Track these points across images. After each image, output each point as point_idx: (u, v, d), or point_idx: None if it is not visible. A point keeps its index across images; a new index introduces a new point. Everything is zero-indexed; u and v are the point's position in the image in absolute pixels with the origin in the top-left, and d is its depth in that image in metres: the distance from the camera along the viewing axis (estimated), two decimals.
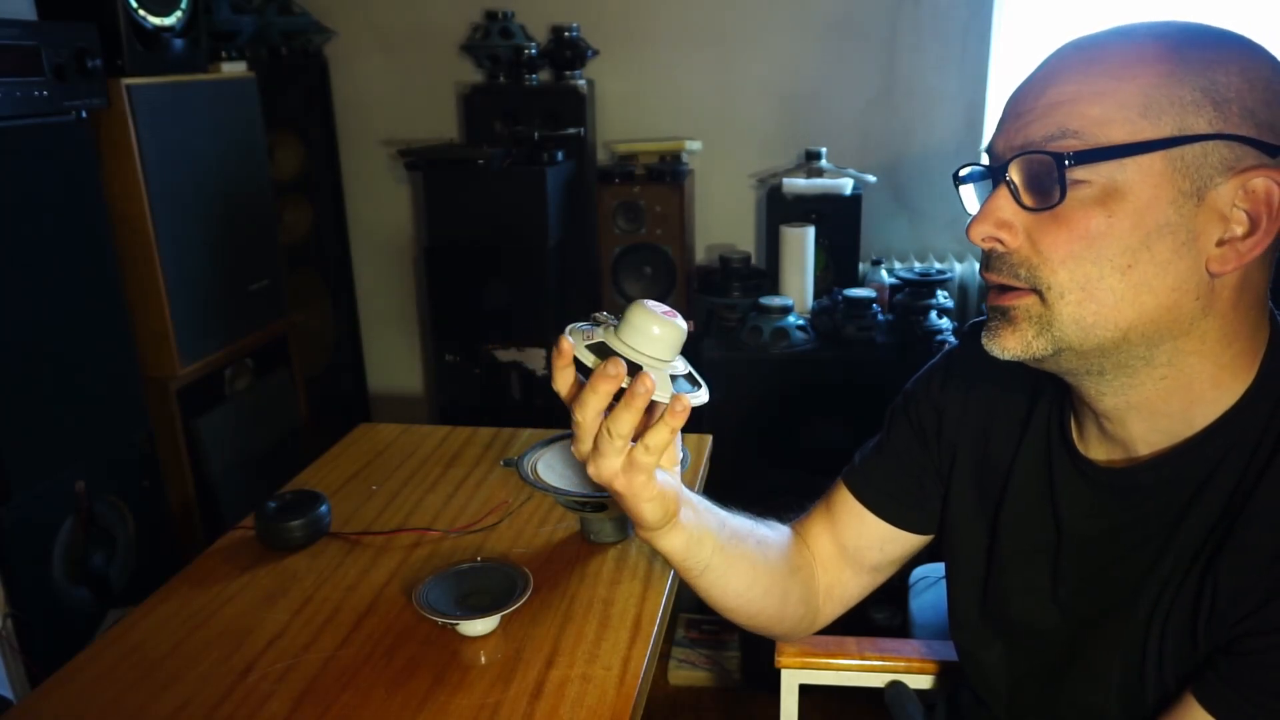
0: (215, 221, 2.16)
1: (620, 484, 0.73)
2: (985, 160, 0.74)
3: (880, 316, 2.33)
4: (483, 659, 0.97)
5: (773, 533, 0.95)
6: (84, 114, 1.80)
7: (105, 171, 1.90)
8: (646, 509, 0.75)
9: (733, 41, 2.68)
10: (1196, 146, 0.64)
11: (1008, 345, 0.71)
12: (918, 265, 2.52)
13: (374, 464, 1.45)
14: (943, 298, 2.32)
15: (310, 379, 2.68)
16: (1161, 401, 0.71)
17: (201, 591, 1.11)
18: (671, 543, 0.80)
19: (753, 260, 2.62)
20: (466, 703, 0.90)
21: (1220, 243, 0.66)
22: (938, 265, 2.55)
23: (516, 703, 0.90)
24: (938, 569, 1.67)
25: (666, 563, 1.14)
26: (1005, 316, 0.71)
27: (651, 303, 0.72)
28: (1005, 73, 2.55)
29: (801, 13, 2.62)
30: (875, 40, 2.61)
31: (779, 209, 2.46)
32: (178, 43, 2.05)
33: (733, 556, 0.86)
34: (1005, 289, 0.71)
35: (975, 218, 0.71)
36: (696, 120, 2.74)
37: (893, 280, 2.42)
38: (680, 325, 0.72)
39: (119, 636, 1.03)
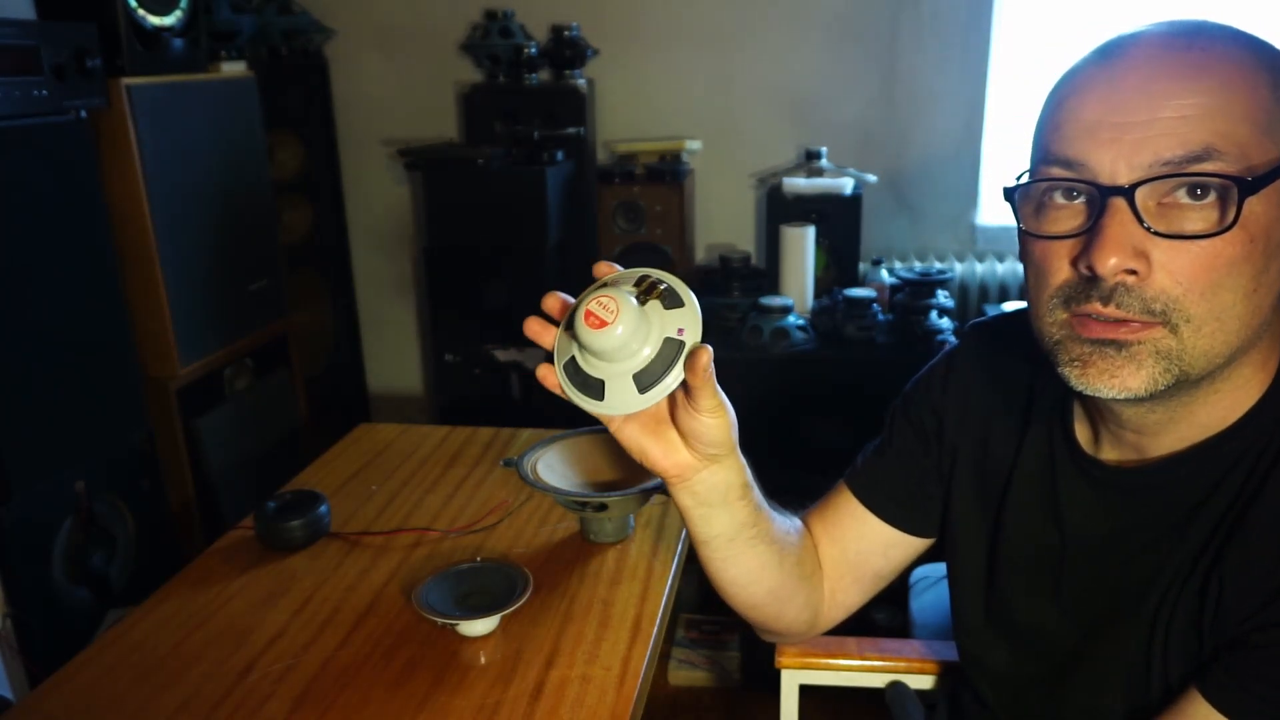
0: (215, 221, 2.16)
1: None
2: (1051, 173, 0.67)
3: (880, 316, 2.33)
4: (483, 659, 0.97)
5: (798, 540, 0.91)
6: (84, 114, 1.80)
7: (105, 171, 1.90)
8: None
9: (733, 41, 2.68)
10: None
11: (1131, 384, 0.65)
12: (918, 265, 2.52)
13: (374, 464, 1.45)
14: (943, 297, 2.32)
15: (310, 379, 2.68)
16: (1205, 414, 0.71)
17: (201, 591, 1.11)
18: (681, 500, 0.78)
19: (753, 260, 2.62)
20: (466, 703, 0.90)
21: None
22: (938, 265, 2.54)
23: (516, 703, 0.90)
24: (938, 569, 1.67)
25: (667, 559, 1.14)
26: (1124, 351, 0.65)
27: (593, 304, 0.67)
28: (1005, 73, 2.55)
29: (802, 13, 2.62)
30: (875, 40, 2.61)
31: (779, 209, 2.46)
32: (177, 42, 2.05)
33: (743, 551, 0.83)
34: (1121, 320, 0.65)
35: (1104, 247, 0.63)
36: (696, 120, 2.74)
37: (893, 280, 2.42)
38: (620, 324, 0.67)
39: (119, 636, 1.03)
